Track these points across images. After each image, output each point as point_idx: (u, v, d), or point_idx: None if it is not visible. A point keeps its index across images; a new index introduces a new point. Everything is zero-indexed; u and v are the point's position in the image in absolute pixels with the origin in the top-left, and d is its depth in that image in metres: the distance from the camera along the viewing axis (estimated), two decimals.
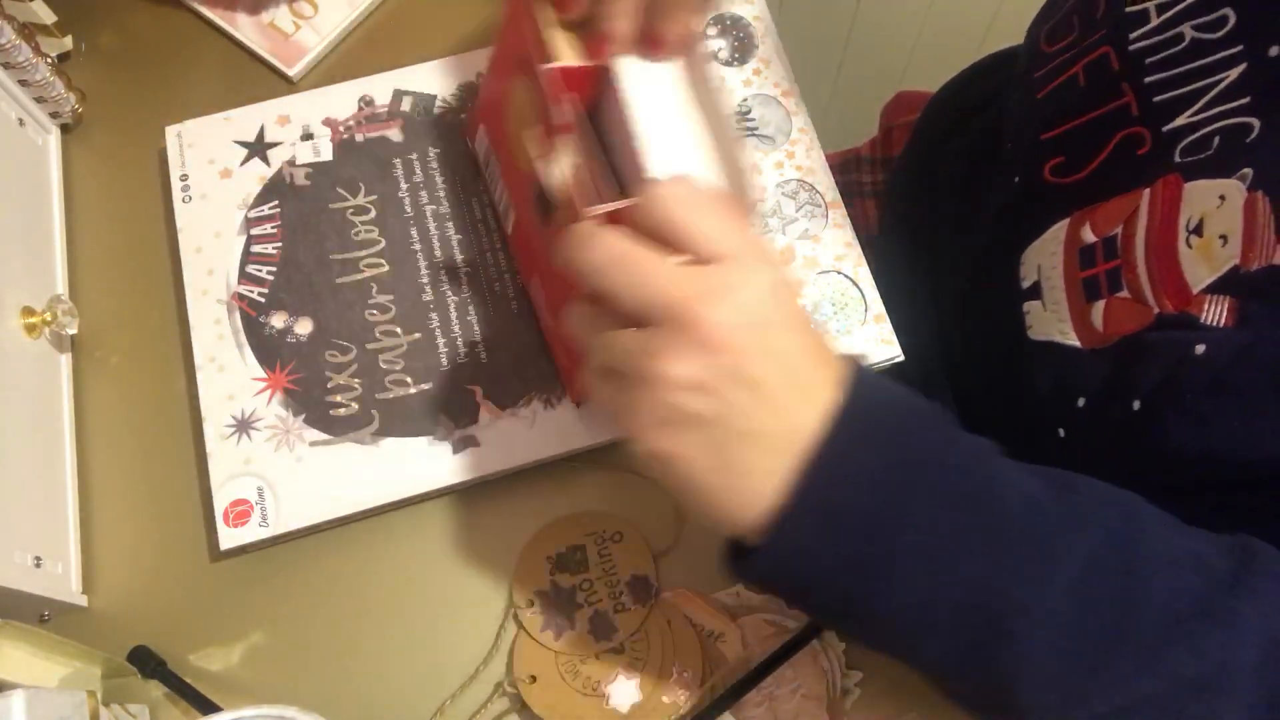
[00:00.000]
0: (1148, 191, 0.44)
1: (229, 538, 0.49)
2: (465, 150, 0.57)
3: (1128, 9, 0.46)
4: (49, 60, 0.57)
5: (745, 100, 0.59)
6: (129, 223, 0.58)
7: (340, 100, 0.59)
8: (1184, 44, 0.42)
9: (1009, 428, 0.41)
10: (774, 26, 0.61)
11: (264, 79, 0.62)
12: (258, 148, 0.57)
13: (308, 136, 0.58)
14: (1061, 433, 0.46)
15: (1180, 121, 0.42)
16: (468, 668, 0.49)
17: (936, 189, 0.66)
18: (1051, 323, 0.48)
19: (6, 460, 0.47)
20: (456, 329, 0.54)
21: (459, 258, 0.55)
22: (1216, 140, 0.41)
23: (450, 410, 0.52)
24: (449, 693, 0.49)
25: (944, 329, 0.59)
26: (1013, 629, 0.33)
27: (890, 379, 0.36)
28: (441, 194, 0.57)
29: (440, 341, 0.53)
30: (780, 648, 0.48)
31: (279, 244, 0.55)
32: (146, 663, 0.48)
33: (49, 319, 0.52)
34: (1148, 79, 0.44)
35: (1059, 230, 0.48)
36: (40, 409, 0.51)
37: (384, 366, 0.53)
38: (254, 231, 0.55)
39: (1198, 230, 0.41)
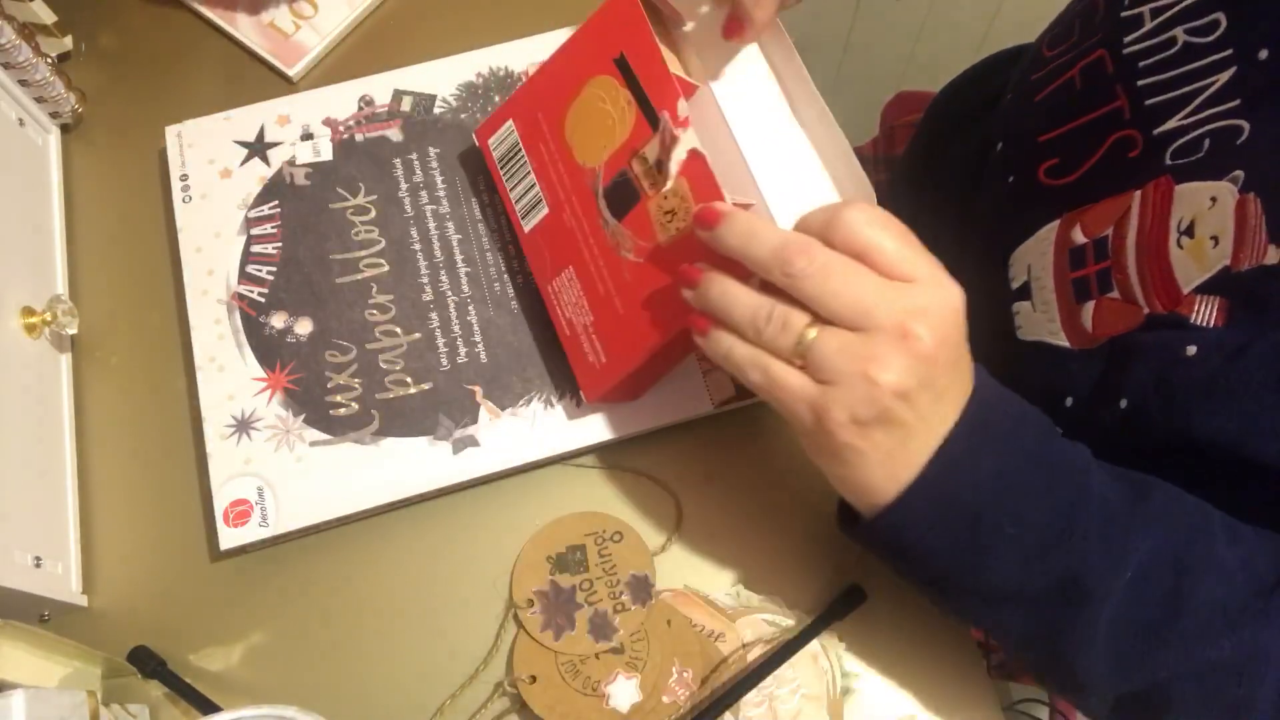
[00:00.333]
0: (1139, 193, 0.44)
1: (229, 538, 0.49)
2: (467, 150, 0.57)
3: (1123, 13, 0.46)
4: (49, 60, 0.57)
5: None
6: (129, 223, 0.59)
7: (340, 100, 0.59)
8: (1176, 48, 0.43)
9: None
10: None
11: (264, 79, 0.62)
12: (258, 148, 0.57)
13: (308, 136, 0.58)
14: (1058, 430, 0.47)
15: (1171, 124, 0.43)
16: (468, 668, 0.49)
17: (939, 189, 0.66)
18: (1041, 323, 0.48)
19: (6, 460, 0.47)
20: (456, 329, 0.54)
21: (459, 258, 0.55)
22: (1207, 143, 0.41)
23: (450, 410, 0.52)
24: (449, 693, 0.49)
25: None
26: (1081, 613, 0.38)
27: (999, 384, 0.40)
28: (441, 194, 0.57)
29: (440, 341, 0.53)
30: (780, 648, 0.48)
31: (279, 244, 0.55)
32: (146, 663, 0.48)
33: (49, 319, 0.52)
34: (1140, 82, 0.44)
35: (1049, 231, 0.49)
36: (40, 409, 0.51)
37: (384, 366, 0.53)
38: (254, 231, 0.55)
39: (1189, 231, 0.41)
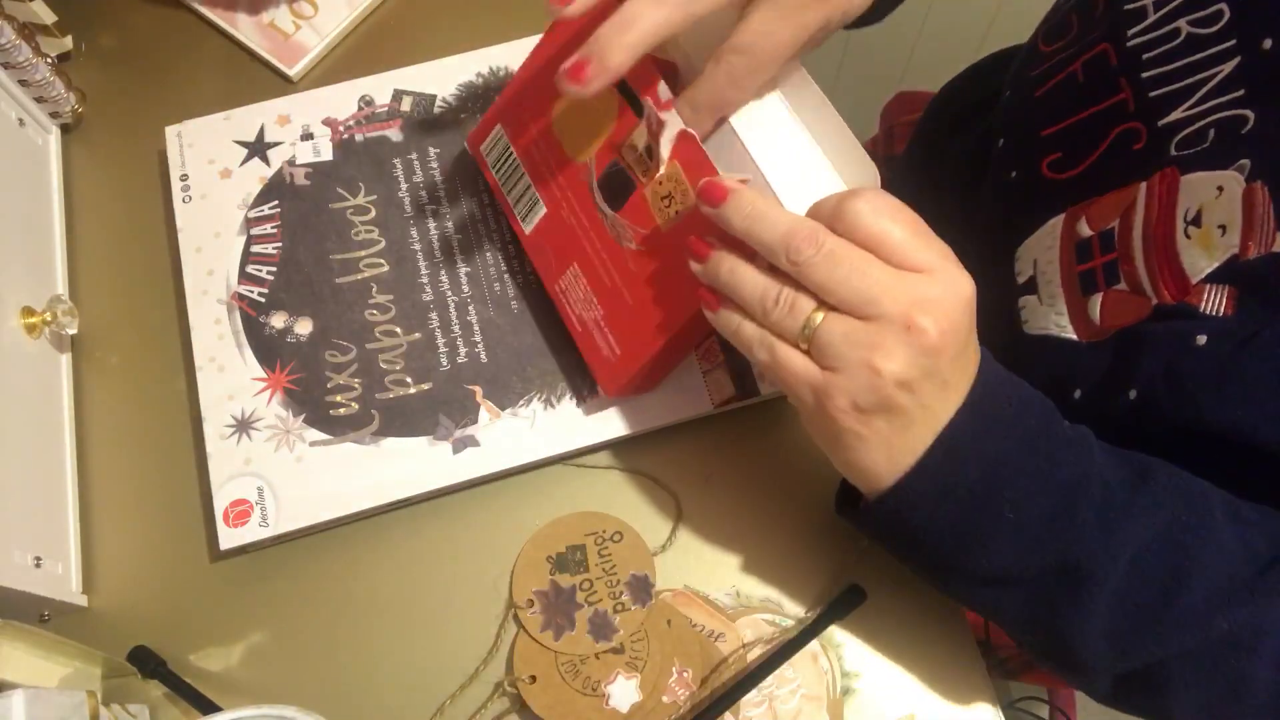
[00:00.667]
0: (1144, 185, 0.44)
1: (229, 538, 0.49)
2: (467, 150, 0.57)
3: (1126, 6, 0.46)
4: (49, 60, 0.57)
5: None
6: (129, 223, 0.58)
7: (340, 100, 0.59)
8: (1180, 39, 0.43)
9: None
10: None
11: (264, 79, 0.62)
12: (258, 148, 0.57)
13: (308, 136, 0.58)
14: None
15: (1176, 115, 0.43)
16: (468, 668, 0.49)
17: (939, 188, 0.66)
18: (1048, 316, 0.48)
19: (6, 460, 0.47)
20: (456, 329, 0.54)
21: (459, 257, 0.55)
22: (1212, 133, 0.41)
23: (450, 410, 0.52)
24: (449, 693, 0.49)
25: None
26: (1079, 594, 0.38)
27: (1005, 370, 0.41)
28: (441, 194, 0.57)
29: (440, 341, 0.53)
30: (780, 648, 0.48)
31: (279, 244, 0.55)
32: (146, 663, 0.48)
33: (49, 319, 0.52)
34: (1144, 74, 0.44)
35: (1055, 225, 0.49)
36: (40, 409, 0.51)
37: (384, 366, 0.53)
38: (254, 231, 0.55)
39: (1196, 221, 0.41)
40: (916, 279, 0.37)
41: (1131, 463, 0.41)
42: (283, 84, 0.62)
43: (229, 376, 0.52)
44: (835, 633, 0.49)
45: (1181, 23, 0.43)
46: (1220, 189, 0.40)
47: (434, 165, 0.57)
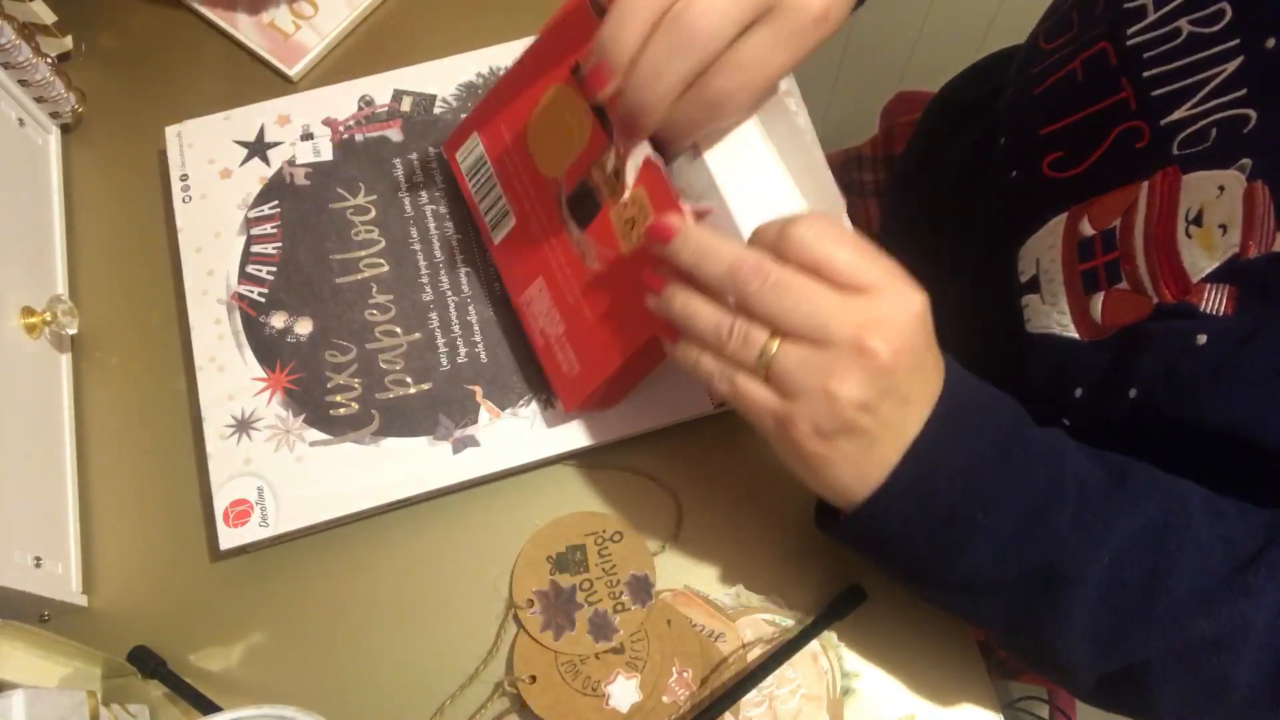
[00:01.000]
0: (1146, 184, 0.44)
1: (229, 538, 0.49)
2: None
3: (1126, 5, 0.46)
4: (49, 60, 0.57)
5: None
6: (129, 223, 0.58)
7: (340, 100, 0.59)
8: (1181, 38, 0.43)
9: None
10: None
11: (264, 79, 0.62)
12: (258, 148, 0.57)
13: (308, 136, 0.58)
14: (1066, 423, 0.47)
15: (1178, 115, 0.43)
16: (468, 668, 0.49)
17: (938, 188, 0.66)
18: (1050, 315, 0.48)
19: (6, 460, 0.47)
20: (456, 329, 0.54)
21: (459, 257, 0.55)
22: (1214, 132, 0.41)
23: (450, 410, 0.52)
24: (449, 693, 0.49)
25: (946, 327, 0.59)
26: (1058, 598, 0.38)
27: (972, 376, 0.41)
28: (441, 194, 0.57)
29: (440, 341, 0.53)
30: (780, 648, 0.48)
31: (279, 244, 0.55)
32: (146, 663, 0.48)
33: (49, 319, 0.52)
34: (1145, 73, 0.44)
35: (1057, 224, 0.49)
36: (40, 409, 0.51)
37: (384, 366, 0.53)
38: (254, 231, 0.55)
39: (1197, 220, 0.41)
40: (864, 300, 0.37)
41: (1107, 463, 0.41)
42: (283, 84, 0.62)
43: (229, 376, 0.52)
44: (835, 633, 0.49)
45: (1182, 22, 0.43)
46: (1221, 188, 0.40)
47: (434, 165, 0.57)
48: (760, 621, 0.50)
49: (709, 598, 0.50)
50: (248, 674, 0.49)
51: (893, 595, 0.49)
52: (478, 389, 0.52)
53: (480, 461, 0.51)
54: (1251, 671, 0.37)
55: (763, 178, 0.44)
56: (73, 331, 0.54)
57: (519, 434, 0.51)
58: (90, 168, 0.60)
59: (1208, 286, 0.41)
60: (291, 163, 0.57)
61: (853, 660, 0.49)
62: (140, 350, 0.56)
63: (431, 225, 0.56)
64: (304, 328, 0.54)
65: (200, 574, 0.51)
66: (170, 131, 0.57)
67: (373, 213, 0.56)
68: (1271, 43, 0.39)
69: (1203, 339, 0.40)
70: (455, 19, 0.64)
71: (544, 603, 0.49)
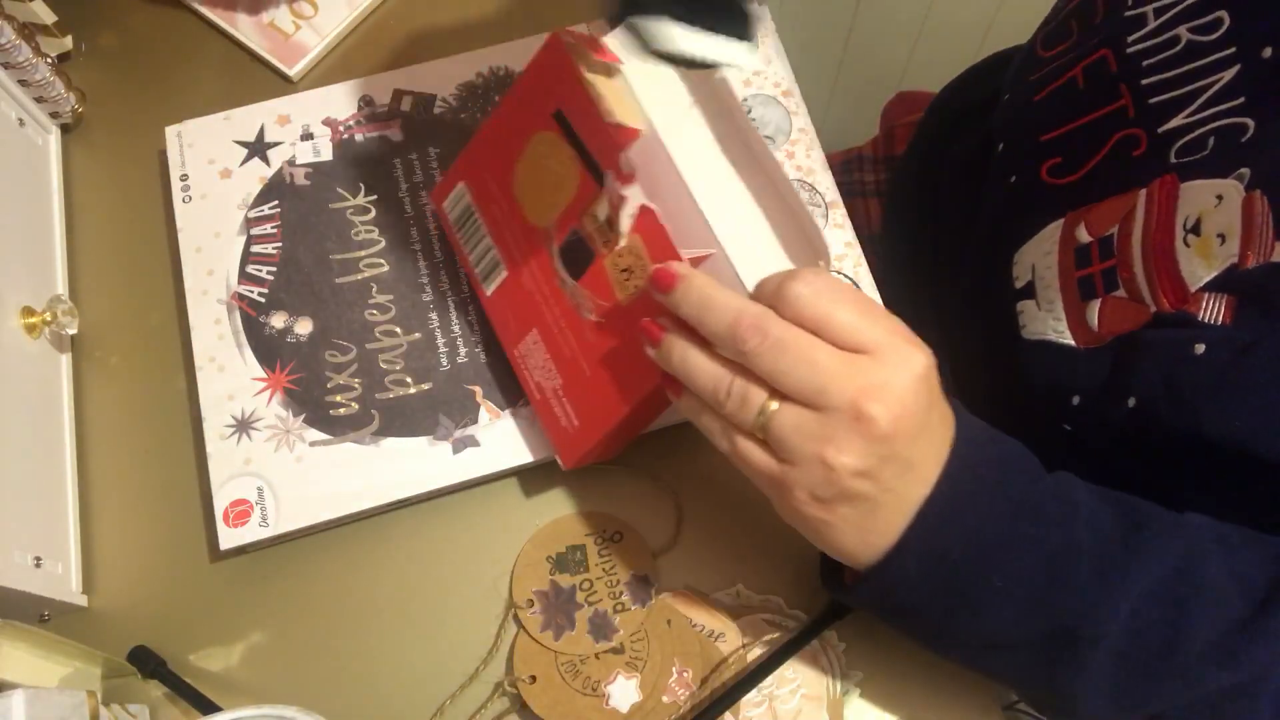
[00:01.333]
0: (1143, 192, 0.44)
1: (229, 538, 0.49)
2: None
3: (1126, 13, 0.46)
4: (49, 60, 0.57)
5: (745, 100, 0.59)
6: (129, 223, 0.59)
7: (340, 100, 0.59)
8: (1180, 46, 0.43)
9: (1013, 428, 0.41)
10: (774, 26, 0.61)
11: (264, 79, 0.62)
12: (258, 148, 0.57)
13: (308, 136, 0.58)
14: (1067, 428, 0.47)
15: (1176, 122, 0.43)
16: (468, 668, 0.49)
17: (938, 189, 0.66)
18: (1046, 322, 0.48)
19: (6, 460, 0.47)
20: (456, 329, 0.54)
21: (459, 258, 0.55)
22: (1212, 140, 0.41)
23: (450, 410, 0.52)
24: (449, 693, 0.49)
25: (946, 328, 0.60)
26: (1076, 656, 0.38)
27: (985, 428, 0.40)
28: None
29: (440, 341, 0.53)
30: (780, 648, 0.48)
31: (279, 244, 0.55)
32: (146, 663, 0.48)
33: (49, 319, 0.52)
34: (1144, 81, 0.44)
35: (1053, 230, 0.49)
36: (40, 409, 0.51)
37: (384, 366, 0.53)
38: (254, 231, 0.55)
39: (1195, 229, 0.41)
40: (865, 363, 0.36)
41: (1121, 510, 0.40)
42: (283, 84, 0.62)
43: (229, 376, 0.52)
44: (835, 633, 0.49)
45: (1181, 30, 0.43)
46: (1219, 197, 0.40)
47: (434, 165, 0.57)
48: (760, 621, 0.50)
49: (709, 598, 0.50)
50: (248, 674, 0.49)
51: None
52: (478, 389, 0.52)
53: (480, 461, 0.51)
54: (1274, 716, 0.37)
55: (748, 222, 0.44)
56: (73, 331, 0.54)
57: (519, 434, 0.51)
58: (90, 168, 0.60)
59: (1206, 296, 0.41)
60: (291, 163, 0.57)
61: (853, 660, 0.49)
62: (140, 350, 0.56)
63: (431, 225, 0.56)
64: (304, 328, 0.54)
65: (200, 574, 0.51)
66: (170, 131, 0.57)
67: (373, 213, 0.56)
68: (1268, 52, 0.39)
69: (1201, 348, 0.40)
70: (455, 19, 0.64)
71: (544, 603, 0.49)
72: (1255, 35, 0.40)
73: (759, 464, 0.38)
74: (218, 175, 0.57)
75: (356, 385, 0.52)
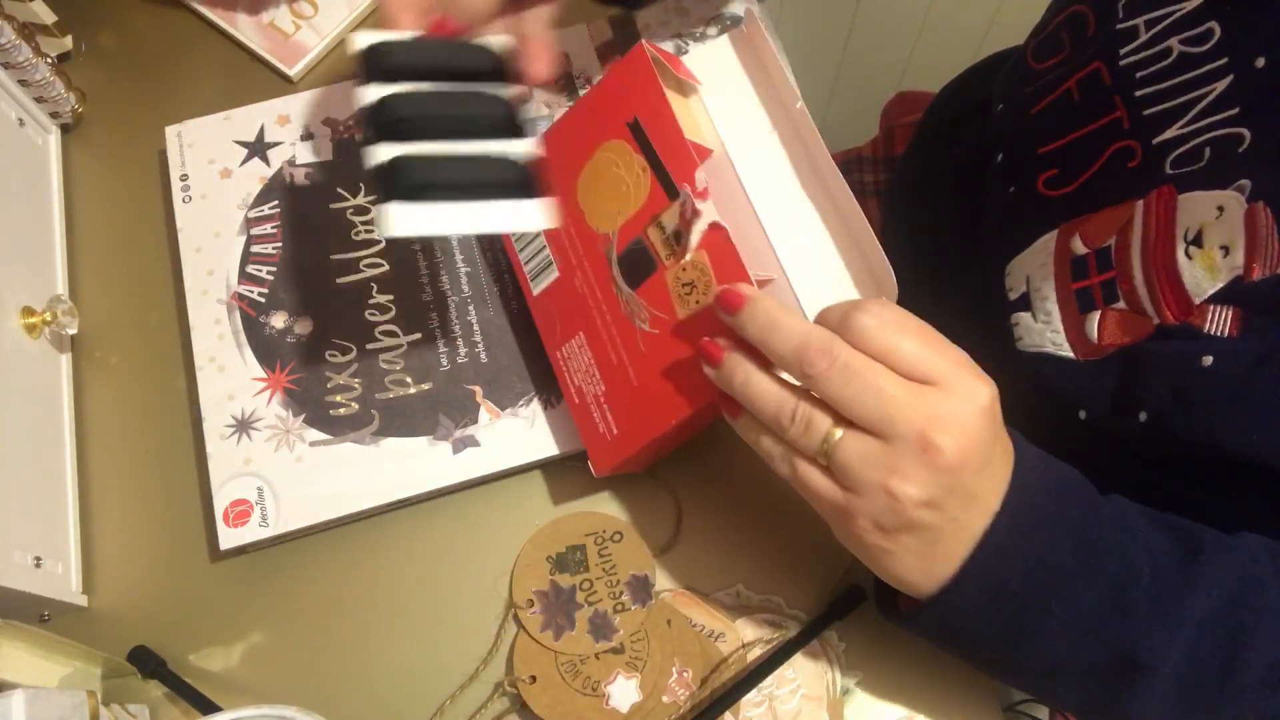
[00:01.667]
0: (1140, 203, 0.44)
1: (229, 538, 0.49)
2: None
3: (1118, 25, 0.46)
4: (49, 60, 0.57)
5: None
6: (129, 223, 0.59)
7: (340, 100, 0.59)
8: (1172, 58, 0.43)
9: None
10: (774, 26, 0.61)
11: (264, 79, 0.62)
12: (258, 148, 0.57)
13: (308, 136, 0.58)
14: (1067, 445, 0.47)
15: (1170, 134, 0.43)
16: (468, 668, 0.49)
17: (938, 190, 0.66)
18: (1044, 334, 0.48)
19: (6, 460, 0.47)
20: (456, 329, 0.54)
21: (459, 258, 0.55)
22: (1208, 151, 0.41)
23: (450, 410, 0.52)
24: (449, 693, 0.49)
25: (951, 336, 0.59)
26: (1136, 684, 0.38)
27: (1043, 456, 0.40)
28: None
29: (440, 341, 0.53)
30: (780, 648, 0.48)
31: (279, 244, 0.55)
32: (146, 663, 0.48)
33: (49, 319, 0.52)
34: (1138, 93, 0.44)
35: (1047, 242, 0.49)
36: (40, 409, 0.51)
37: (384, 366, 0.53)
38: (254, 231, 0.55)
39: (1197, 241, 0.41)
40: (931, 394, 0.36)
41: (1177, 534, 0.40)
42: (283, 84, 0.62)
43: (229, 376, 0.52)
44: (835, 633, 0.49)
45: (1173, 42, 0.43)
46: (1220, 209, 0.40)
47: None
48: (760, 621, 0.50)
49: (709, 597, 0.50)
50: (248, 674, 0.49)
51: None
52: (478, 389, 0.52)
53: (480, 461, 0.51)
54: None
55: (815, 247, 0.44)
56: (73, 331, 0.54)
57: (519, 434, 0.51)
58: (90, 168, 0.60)
59: (1211, 308, 0.40)
60: (291, 163, 0.57)
61: (853, 660, 0.49)
62: (140, 350, 0.56)
63: None
64: (304, 328, 0.54)
65: (200, 574, 0.51)
66: (170, 131, 0.57)
67: (373, 213, 0.56)
68: (1261, 62, 0.39)
69: (1208, 360, 0.40)
70: None
71: (544, 603, 0.49)
72: (1247, 46, 0.40)
73: (822, 491, 0.38)
74: (218, 175, 0.57)
75: (356, 385, 0.52)
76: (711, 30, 0.61)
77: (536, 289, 0.51)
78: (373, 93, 0.43)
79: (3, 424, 0.47)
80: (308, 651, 0.50)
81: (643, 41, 0.46)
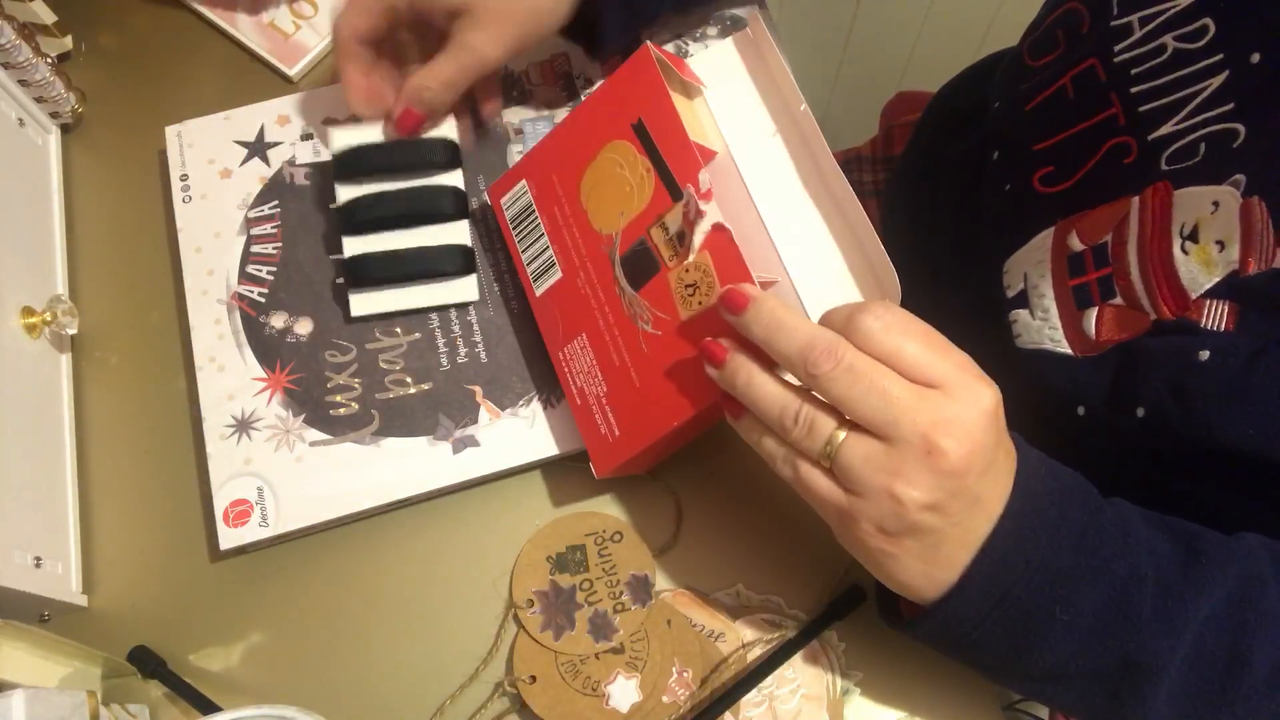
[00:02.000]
0: (1136, 199, 0.44)
1: (229, 538, 0.49)
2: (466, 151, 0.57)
3: (1112, 22, 0.46)
4: (49, 60, 0.57)
5: None
6: (129, 223, 0.59)
7: (340, 100, 0.59)
8: (1167, 54, 0.43)
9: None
10: (774, 26, 0.61)
11: (264, 79, 0.62)
12: (258, 148, 0.57)
13: (308, 136, 0.58)
14: (1067, 442, 0.47)
15: (1165, 130, 0.43)
16: (468, 668, 0.49)
17: (937, 189, 0.66)
18: (1042, 331, 0.48)
19: (6, 460, 0.47)
20: (456, 329, 0.54)
21: None
22: (1203, 147, 0.41)
23: (450, 410, 0.52)
24: (449, 693, 0.49)
25: (945, 330, 0.59)
26: (1140, 688, 0.38)
27: (1045, 460, 0.40)
28: None
29: (440, 341, 0.53)
30: (780, 648, 0.48)
31: (279, 244, 0.55)
32: (146, 663, 0.48)
33: (49, 319, 0.52)
34: (1133, 89, 0.44)
35: (1044, 239, 0.49)
36: (40, 409, 0.51)
37: (384, 366, 0.53)
38: (254, 231, 0.55)
39: (1193, 236, 0.41)
40: (936, 397, 0.36)
41: (1178, 537, 0.40)
42: (283, 84, 0.62)
43: (229, 376, 0.52)
44: (835, 633, 0.49)
45: (1168, 38, 0.43)
46: (1216, 204, 0.40)
47: None
48: (760, 621, 0.50)
49: (709, 598, 0.50)
50: (248, 674, 0.49)
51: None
52: (478, 389, 0.52)
53: (480, 461, 0.51)
54: None
55: (818, 249, 0.44)
56: (73, 331, 0.54)
57: (519, 434, 0.51)
58: (90, 168, 0.60)
59: (1207, 303, 0.40)
60: (291, 163, 0.57)
61: (853, 660, 0.49)
62: (140, 350, 0.56)
63: None
64: (304, 328, 0.54)
65: (200, 574, 0.51)
66: (170, 131, 0.57)
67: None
68: (1256, 57, 0.39)
69: (1205, 355, 0.40)
70: None
71: (544, 603, 0.49)
72: (1242, 41, 0.40)
73: (824, 493, 0.38)
74: (218, 175, 0.57)
75: (356, 385, 0.52)
76: (712, 31, 0.61)
77: (539, 290, 0.51)
78: (343, 194, 0.53)
79: (3, 424, 0.47)
80: (308, 651, 0.50)
81: (648, 43, 0.46)
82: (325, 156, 0.57)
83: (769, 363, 0.39)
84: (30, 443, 0.50)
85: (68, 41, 0.61)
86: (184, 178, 0.57)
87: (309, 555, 0.51)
